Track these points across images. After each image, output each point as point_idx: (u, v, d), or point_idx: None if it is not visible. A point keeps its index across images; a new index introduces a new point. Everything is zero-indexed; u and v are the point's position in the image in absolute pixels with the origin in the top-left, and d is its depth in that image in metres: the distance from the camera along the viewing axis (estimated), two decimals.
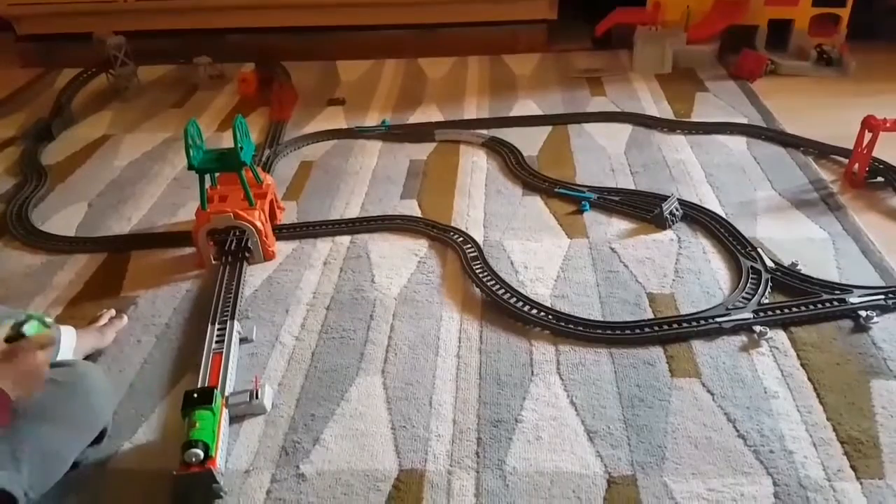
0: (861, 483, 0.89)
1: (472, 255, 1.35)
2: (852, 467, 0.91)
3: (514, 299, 1.22)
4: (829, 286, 1.21)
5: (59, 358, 1.04)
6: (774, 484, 0.90)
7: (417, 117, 1.99)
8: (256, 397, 1.04)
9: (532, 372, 1.10)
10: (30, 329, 0.91)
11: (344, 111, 2.06)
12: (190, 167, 1.31)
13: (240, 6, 2.39)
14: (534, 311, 1.20)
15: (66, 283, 1.36)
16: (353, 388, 1.09)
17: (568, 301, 1.24)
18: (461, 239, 1.41)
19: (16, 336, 0.90)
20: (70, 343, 1.08)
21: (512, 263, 1.35)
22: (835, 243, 1.35)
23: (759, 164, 1.65)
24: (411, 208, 1.55)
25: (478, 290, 1.27)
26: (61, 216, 1.60)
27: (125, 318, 1.24)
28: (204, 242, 1.35)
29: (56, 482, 0.89)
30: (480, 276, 1.29)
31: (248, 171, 1.38)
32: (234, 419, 1.03)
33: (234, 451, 0.99)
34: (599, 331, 1.15)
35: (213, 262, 1.36)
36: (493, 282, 1.27)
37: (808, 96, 2.01)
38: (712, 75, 2.16)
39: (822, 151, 1.69)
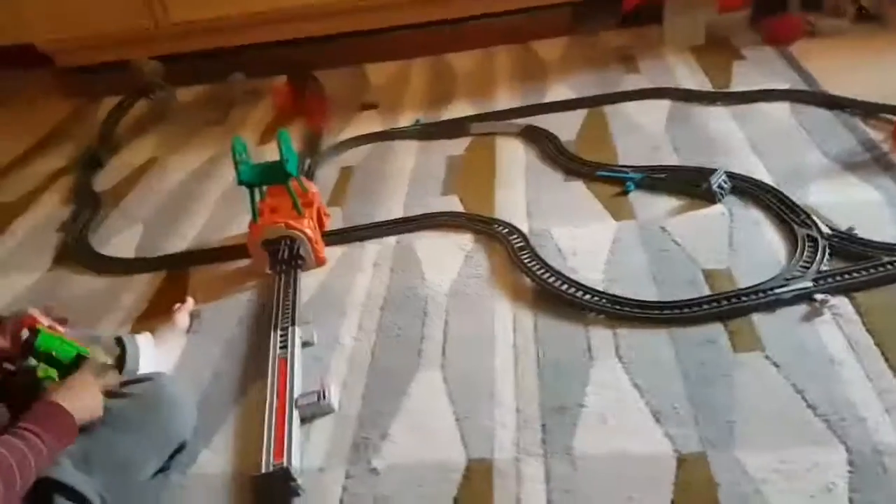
0: None
1: (518, 245, 1.36)
2: None
3: (566, 286, 1.23)
4: (889, 248, 1.18)
5: (143, 364, 1.10)
6: (848, 451, 0.89)
7: (451, 113, 2.00)
8: (324, 398, 1.07)
9: (591, 357, 1.10)
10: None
11: (378, 114, 2.09)
12: (239, 182, 1.35)
13: (266, 21, 2.43)
14: (587, 297, 1.20)
15: (132, 303, 1.42)
16: (414, 383, 1.11)
17: (621, 284, 1.24)
18: (506, 230, 1.41)
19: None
20: (149, 350, 1.14)
21: (560, 251, 1.35)
22: (891, 204, 1.32)
23: (805, 130, 1.61)
24: (453, 204, 1.57)
25: (528, 279, 1.27)
26: (119, 239, 1.67)
27: (190, 300, 1.31)
28: (259, 253, 1.39)
29: (136, 489, 0.94)
30: (529, 265, 1.29)
31: (295, 181, 1.42)
32: (305, 420, 1.07)
33: (307, 450, 1.02)
34: (656, 311, 1.15)
35: (269, 271, 1.40)
36: (543, 270, 1.28)
37: (850, 55, 1.95)
38: (748, 42, 2.11)
39: (869, 111, 1.63)
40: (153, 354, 1.14)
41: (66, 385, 0.93)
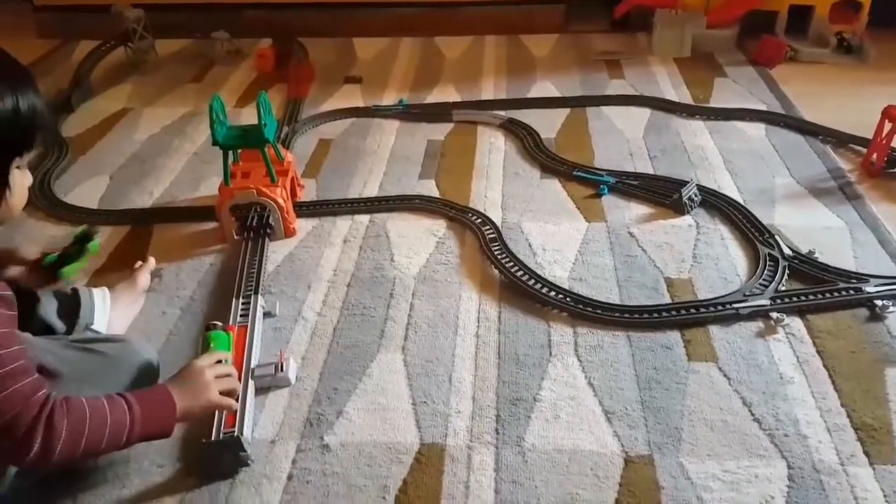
0: (874, 468, 0.91)
1: (490, 236, 1.37)
2: (865, 453, 0.93)
3: (533, 281, 1.24)
4: (846, 275, 1.22)
5: (98, 319, 1.09)
6: (789, 467, 0.92)
7: (434, 97, 2.00)
8: (281, 370, 1.06)
9: (550, 353, 1.12)
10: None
11: (361, 89, 2.07)
12: (214, 143, 1.32)
13: None
14: (552, 294, 1.21)
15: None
16: (375, 363, 1.11)
17: (586, 284, 1.25)
18: (479, 220, 1.42)
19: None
20: (105, 305, 1.12)
21: (530, 245, 1.36)
22: (852, 232, 1.36)
23: (778, 152, 1.65)
24: (429, 188, 1.56)
25: (496, 271, 1.28)
26: (83, 188, 1.62)
27: (152, 259, 1.29)
28: (227, 218, 1.36)
29: None
30: (499, 257, 1.30)
31: (270, 147, 1.39)
32: (260, 391, 1.06)
33: (259, 421, 1.01)
34: (617, 314, 1.17)
35: (236, 237, 1.37)
36: (512, 263, 1.28)
37: (828, 84, 2.00)
38: (731, 60, 2.16)
39: (840, 140, 1.69)
40: (108, 310, 1.12)
41: (180, 374, 0.91)
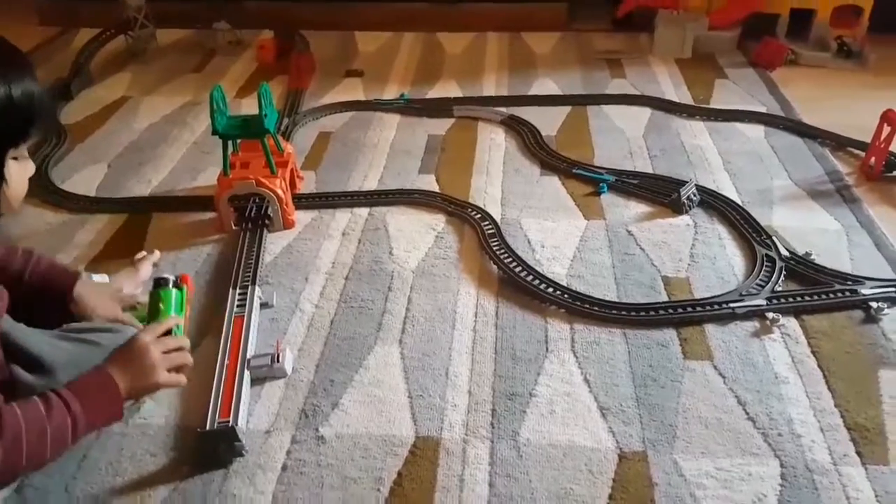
0: (866, 468, 0.92)
1: (489, 231, 1.37)
2: (858, 453, 0.94)
3: (531, 277, 1.24)
4: (842, 277, 1.23)
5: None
6: (781, 466, 0.93)
7: (436, 92, 1.99)
8: (277, 361, 1.06)
9: (547, 349, 1.12)
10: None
11: (362, 83, 2.06)
12: (214, 132, 1.32)
13: None
14: (550, 290, 1.21)
15: (87, 243, 1.38)
16: (371, 356, 1.11)
17: (583, 281, 1.26)
18: (479, 215, 1.42)
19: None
20: None
21: (529, 242, 1.36)
22: (848, 235, 1.37)
23: (777, 154, 1.66)
24: (429, 183, 1.56)
25: (495, 266, 1.28)
26: (81, 176, 1.61)
27: (157, 252, 1.25)
28: (225, 208, 1.36)
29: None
30: (497, 252, 1.30)
31: (270, 139, 1.39)
32: (255, 381, 1.06)
33: (255, 411, 1.01)
34: (614, 311, 1.17)
35: (234, 227, 1.37)
36: (510, 259, 1.29)
37: (827, 87, 2.01)
38: (732, 62, 2.16)
39: (838, 143, 1.69)
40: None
41: (124, 351, 0.87)
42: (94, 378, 0.84)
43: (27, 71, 0.77)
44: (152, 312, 0.93)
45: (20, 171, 0.80)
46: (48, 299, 0.97)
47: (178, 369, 0.92)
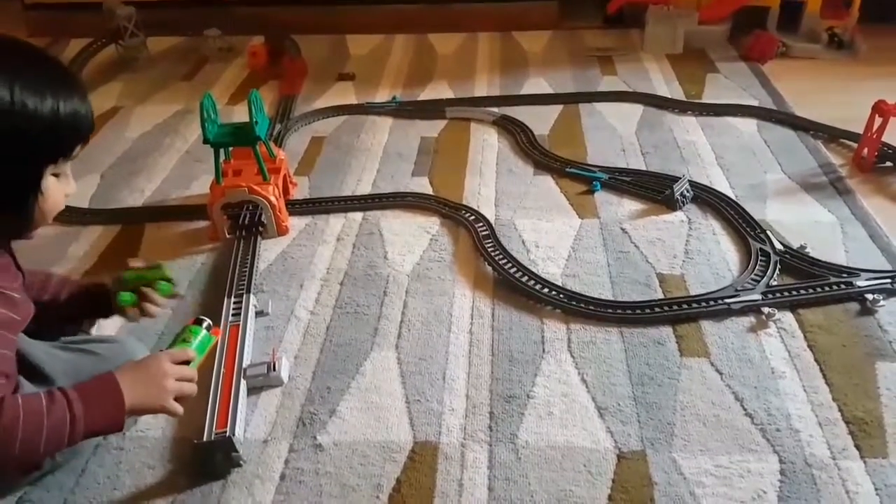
0: (865, 462, 0.92)
1: (483, 233, 1.37)
2: (856, 447, 0.94)
3: (526, 278, 1.24)
4: (837, 269, 1.23)
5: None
6: (780, 461, 0.92)
7: (428, 94, 1.99)
8: (274, 369, 1.06)
9: (543, 349, 1.12)
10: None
11: (354, 86, 2.06)
12: (205, 141, 1.32)
13: None
14: (545, 290, 1.21)
15: (81, 255, 1.38)
16: (368, 362, 1.11)
17: (579, 280, 1.26)
18: (473, 217, 1.42)
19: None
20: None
21: (523, 242, 1.36)
22: (843, 227, 1.37)
23: (769, 147, 1.66)
24: (423, 186, 1.56)
25: (490, 268, 1.28)
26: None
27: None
28: (219, 216, 1.36)
29: (79, 450, 0.91)
30: (492, 254, 1.30)
31: (262, 145, 1.39)
32: (252, 390, 1.05)
33: (252, 421, 1.01)
34: (610, 310, 1.17)
35: (228, 235, 1.37)
36: (505, 260, 1.28)
37: (819, 79, 2.01)
38: (723, 56, 2.16)
39: (831, 135, 1.69)
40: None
41: (139, 367, 0.86)
42: (101, 384, 0.83)
43: (77, 92, 0.77)
44: (177, 339, 0.95)
45: (58, 187, 0.79)
46: (84, 303, 1.00)
47: (180, 398, 0.92)
